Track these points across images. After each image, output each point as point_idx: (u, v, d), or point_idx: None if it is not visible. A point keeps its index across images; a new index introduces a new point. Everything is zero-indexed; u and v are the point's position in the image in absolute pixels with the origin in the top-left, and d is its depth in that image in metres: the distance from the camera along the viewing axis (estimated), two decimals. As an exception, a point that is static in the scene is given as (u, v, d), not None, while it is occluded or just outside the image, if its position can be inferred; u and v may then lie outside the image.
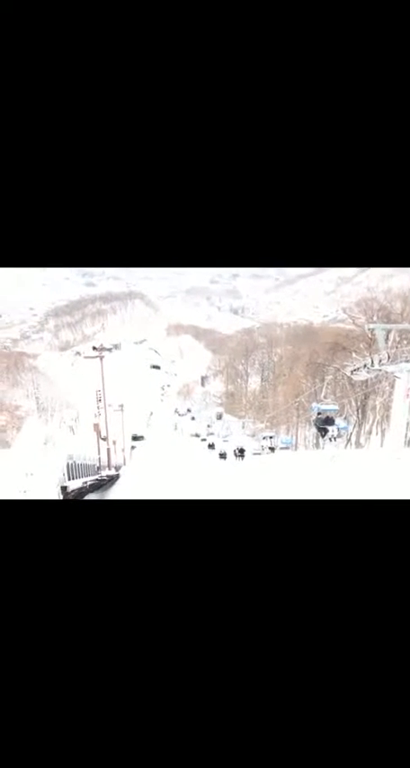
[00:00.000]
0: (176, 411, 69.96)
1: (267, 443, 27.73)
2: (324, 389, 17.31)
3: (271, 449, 26.88)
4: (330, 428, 12.48)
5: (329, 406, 13.16)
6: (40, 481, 9.97)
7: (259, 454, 26.84)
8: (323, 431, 12.66)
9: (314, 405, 13.83)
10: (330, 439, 12.65)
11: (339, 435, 13.18)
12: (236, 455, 26.77)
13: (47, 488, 9.93)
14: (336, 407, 13.50)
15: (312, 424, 13.62)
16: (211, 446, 39.73)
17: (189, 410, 69.78)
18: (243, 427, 54.39)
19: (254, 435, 46.57)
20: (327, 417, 12.59)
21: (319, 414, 12.76)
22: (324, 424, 12.56)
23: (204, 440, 45.48)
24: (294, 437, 37.93)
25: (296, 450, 34.43)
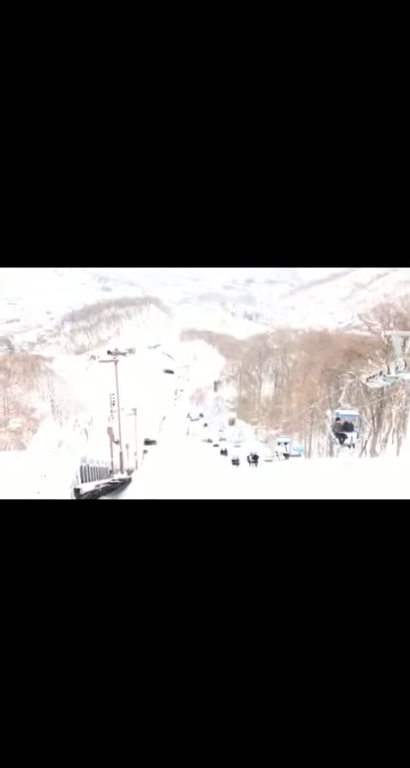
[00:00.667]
0: (189, 416, 70.01)
1: (282, 449, 27.37)
2: (343, 394, 16.97)
3: (286, 455, 26.57)
4: (349, 435, 12.13)
5: (349, 412, 12.84)
6: (53, 483, 10.05)
7: (271, 461, 26.63)
8: (341, 437, 12.31)
9: (328, 412, 13.63)
10: (348, 446, 12.34)
11: (353, 444, 12.86)
12: (249, 461, 26.62)
13: (60, 490, 10.00)
14: (356, 413, 13.16)
15: (330, 430, 13.26)
16: (224, 452, 39.55)
17: (201, 415, 69.75)
18: (256, 433, 54.19)
19: (266, 441, 46.28)
20: (346, 423, 12.24)
21: (338, 419, 12.45)
22: (342, 430, 12.23)
23: (216, 445, 45.36)
24: (306, 445, 37.60)
25: (309, 457, 34.15)
